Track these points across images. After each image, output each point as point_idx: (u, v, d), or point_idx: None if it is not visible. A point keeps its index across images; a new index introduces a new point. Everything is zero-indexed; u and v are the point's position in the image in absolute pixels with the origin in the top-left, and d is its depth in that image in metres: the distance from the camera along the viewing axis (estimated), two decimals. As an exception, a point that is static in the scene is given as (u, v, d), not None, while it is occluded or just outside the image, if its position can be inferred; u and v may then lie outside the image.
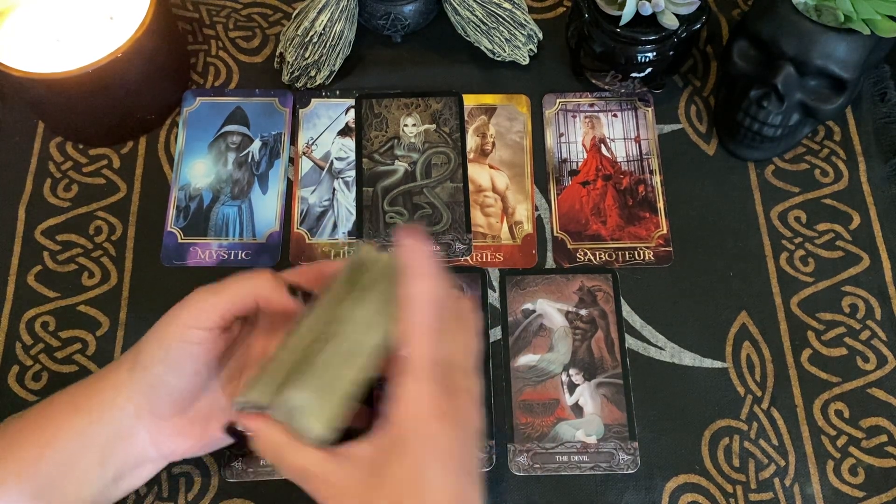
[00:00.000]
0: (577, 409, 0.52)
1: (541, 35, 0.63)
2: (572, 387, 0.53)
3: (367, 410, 0.43)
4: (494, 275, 0.57)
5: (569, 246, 0.58)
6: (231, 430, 0.41)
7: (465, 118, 0.62)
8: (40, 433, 0.41)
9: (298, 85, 0.62)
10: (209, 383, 0.44)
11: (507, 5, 0.60)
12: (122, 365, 0.43)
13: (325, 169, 0.60)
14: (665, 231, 0.58)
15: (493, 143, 0.61)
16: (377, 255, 0.42)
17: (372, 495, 0.36)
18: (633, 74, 0.60)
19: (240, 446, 0.45)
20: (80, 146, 0.61)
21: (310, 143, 0.61)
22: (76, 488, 0.41)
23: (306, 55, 0.60)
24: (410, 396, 0.37)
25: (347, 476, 0.36)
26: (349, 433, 0.39)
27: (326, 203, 0.59)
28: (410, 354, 0.37)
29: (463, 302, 0.43)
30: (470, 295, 0.55)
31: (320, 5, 0.58)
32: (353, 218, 0.58)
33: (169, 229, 0.58)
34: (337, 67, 0.62)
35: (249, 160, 0.61)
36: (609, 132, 0.62)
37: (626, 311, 0.55)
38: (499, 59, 0.63)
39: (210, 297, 0.41)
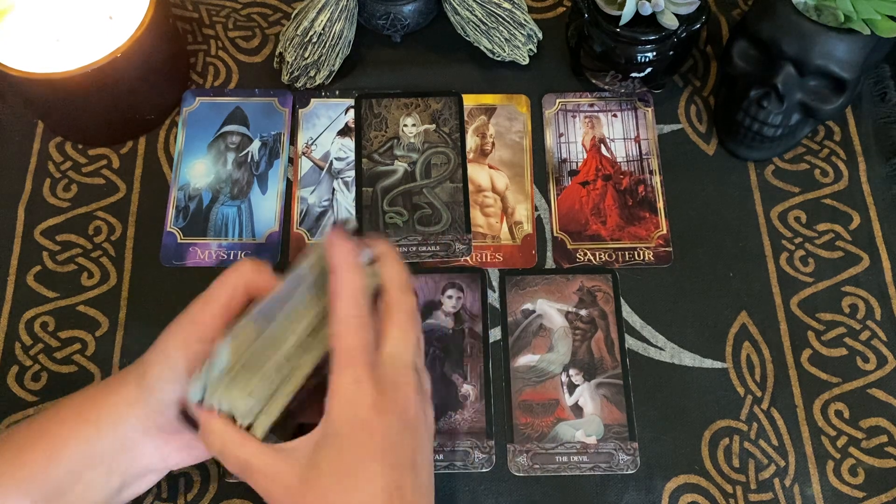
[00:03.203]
0: (577, 410, 0.52)
1: (540, 35, 0.63)
2: (572, 387, 0.53)
3: (322, 405, 0.43)
4: (494, 275, 0.57)
5: (568, 246, 0.58)
6: (185, 416, 0.41)
7: (465, 118, 0.62)
8: (47, 442, 0.41)
9: (298, 85, 0.62)
10: None
11: (506, 5, 0.60)
12: (128, 379, 0.42)
13: (325, 169, 0.60)
14: (665, 231, 0.58)
15: (493, 143, 0.61)
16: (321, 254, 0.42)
17: (306, 487, 0.36)
18: (633, 74, 0.60)
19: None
20: (80, 146, 0.61)
21: (309, 143, 0.61)
22: (81, 498, 0.41)
23: (306, 55, 0.60)
24: (341, 389, 0.37)
25: (285, 469, 0.37)
26: (304, 428, 0.39)
27: (326, 203, 0.59)
28: (336, 347, 0.38)
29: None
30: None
31: (320, 5, 0.58)
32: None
33: (168, 229, 0.58)
34: (336, 67, 0.62)
35: (249, 160, 0.60)
36: (609, 132, 0.62)
37: (626, 311, 0.55)
38: (498, 58, 0.63)
39: (208, 309, 0.41)
